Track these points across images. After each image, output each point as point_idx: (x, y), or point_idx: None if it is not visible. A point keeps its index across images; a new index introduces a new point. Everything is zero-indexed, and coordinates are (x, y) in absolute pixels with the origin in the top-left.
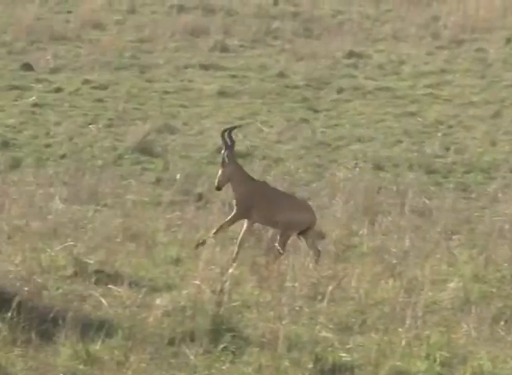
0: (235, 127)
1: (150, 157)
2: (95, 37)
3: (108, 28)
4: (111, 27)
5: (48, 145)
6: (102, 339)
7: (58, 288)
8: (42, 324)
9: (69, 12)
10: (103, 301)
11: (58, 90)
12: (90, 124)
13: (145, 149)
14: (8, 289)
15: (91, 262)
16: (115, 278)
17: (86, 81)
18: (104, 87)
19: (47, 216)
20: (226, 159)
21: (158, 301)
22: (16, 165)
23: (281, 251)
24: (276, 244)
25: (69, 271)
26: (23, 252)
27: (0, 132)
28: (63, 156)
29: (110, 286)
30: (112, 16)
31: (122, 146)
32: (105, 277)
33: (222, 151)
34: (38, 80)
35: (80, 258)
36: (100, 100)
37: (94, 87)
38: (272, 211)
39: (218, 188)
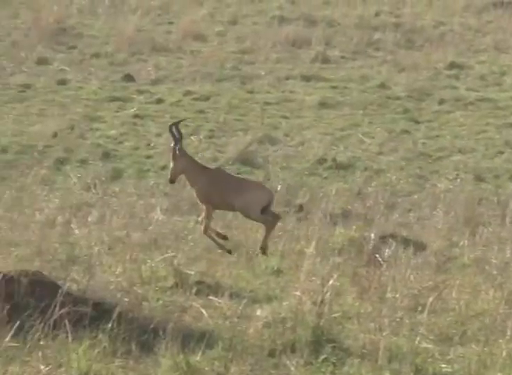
0: (181, 120)
1: (251, 168)
2: (197, 48)
3: (209, 39)
4: (212, 38)
5: (148, 156)
6: (203, 350)
7: (158, 299)
8: (142, 335)
9: (171, 23)
10: (203, 312)
11: (160, 101)
12: (191, 135)
13: (246, 160)
14: (108, 300)
15: (192, 273)
16: (215, 289)
17: (187, 92)
18: (205, 98)
19: (147, 227)
20: (177, 152)
21: (258, 313)
22: (117, 176)
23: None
24: (377, 256)
25: (170, 282)
26: (124, 263)
27: (101, 143)
28: (164, 167)
29: (211, 297)
30: (213, 27)
31: (223, 157)
32: (206, 288)
33: (172, 145)
34: (139, 92)
35: (181, 269)
36: (201, 111)
37: (196, 99)
38: (230, 196)
39: (172, 181)
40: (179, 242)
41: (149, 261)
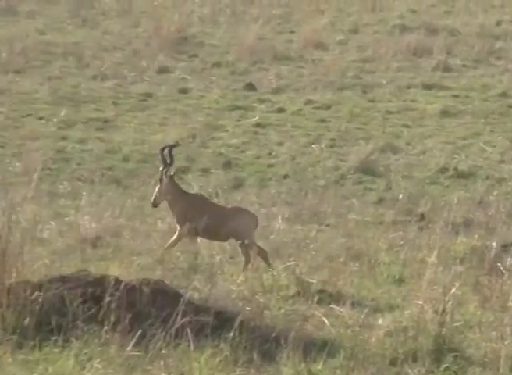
0: (175, 146)
1: (372, 177)
2: (318, 57)
3: (330, 48)
4: (333, 47)
5: (270, 165)
6: (324, 359)
7: (280, 308)
8: (264, 344)
9: (292, 32)
10: (325, 321)
11: (281, 110)
12: (312, 144)
13: (368, 169)
14: (230, 309)
15: (314, 281)
16: (337, 298)
17: (308, 101)
18: (326, 107)
19: (269, 236)
20: (164, 177)
21: (380, 322)
22: (238, 184)
23: (251, 260)
24: (499, 264)
25: (292, 291)
26: (246, 272)
27: (223, 152)
28: (286, 176)
29: (332, 306)
30: (334, 36)
31: (344, 166)
32: (328, 297)
33: (161, 168)
34: (261, 101)
35: (303, 277)
36: (322, 120)
37: (317, 107)
38: (218, 224)
39: (155, 205)
40: (300, 251)
41: (271, 269)
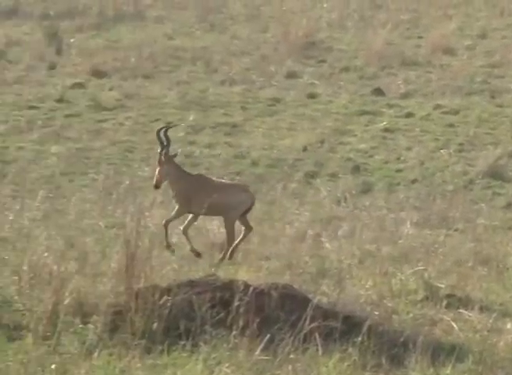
0: (170, 127)
1: (501, 181)
2: (446, 62)
3: (459, 53)
4: (462, 52)
5: (399, 170)
6: (453, 363)
7: (408, 312)
8: (392, 348)
9: (420, 37)
10: (454, 325)
11: (409, 115)
12: (441, 149)
13: (496, 174)
14: (358, 313)
15: (442, 286)
16: (465, 302)
17: (437, 106)
18: (455, 112)
19: (398, 241)
20: (162, 158)
21: (508, 326)
22: (367, 189)
23: (232, 236)
24: None
25: (420, 295)
26: (374, 276)
27: (351, 156)
28: (414, 181)
29: (461, 310)
30: (462, 41)
31: (473, 171)
32: (456, 301)
33: (158, 150)
34: (389, 105)
35: (431, 282)
36: (451, 125)
37: (445, 112)
38: (211, 198)
39: (156, 186)
40: (429, 255)
41: (399, 274)
